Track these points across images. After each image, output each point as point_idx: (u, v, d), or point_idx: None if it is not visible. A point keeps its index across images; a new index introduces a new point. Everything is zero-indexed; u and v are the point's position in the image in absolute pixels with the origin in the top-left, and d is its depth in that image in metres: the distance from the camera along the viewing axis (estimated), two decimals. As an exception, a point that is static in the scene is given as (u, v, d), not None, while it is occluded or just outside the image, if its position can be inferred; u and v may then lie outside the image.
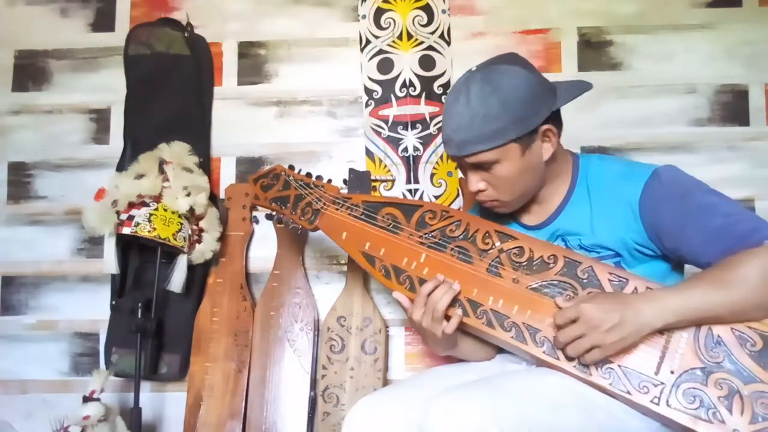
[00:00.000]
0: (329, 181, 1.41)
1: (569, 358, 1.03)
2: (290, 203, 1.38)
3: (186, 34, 1.90)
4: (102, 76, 1.97)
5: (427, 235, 1.21)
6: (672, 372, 0.99)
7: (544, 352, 1.05)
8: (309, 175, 1.42)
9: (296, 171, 1.44)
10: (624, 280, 1.06)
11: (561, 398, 0.99)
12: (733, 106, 1.85)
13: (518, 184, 1.15)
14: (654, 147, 1.84)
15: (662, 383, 0.99)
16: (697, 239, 1.06)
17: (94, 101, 1.96)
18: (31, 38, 2.00)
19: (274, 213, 1.44)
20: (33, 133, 1.97)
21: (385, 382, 1.73)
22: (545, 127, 1.13)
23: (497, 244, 1.16)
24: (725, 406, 0.95)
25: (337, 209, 1.32)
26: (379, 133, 1.87)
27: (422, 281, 1.16)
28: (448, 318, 1.11)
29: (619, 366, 1.01)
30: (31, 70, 1.99)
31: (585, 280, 1.08)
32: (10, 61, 1.99)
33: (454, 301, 1.12)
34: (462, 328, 1.15)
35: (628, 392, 0.99)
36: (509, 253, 1.15)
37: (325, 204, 1.34)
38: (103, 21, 1.99)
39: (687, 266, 1.19)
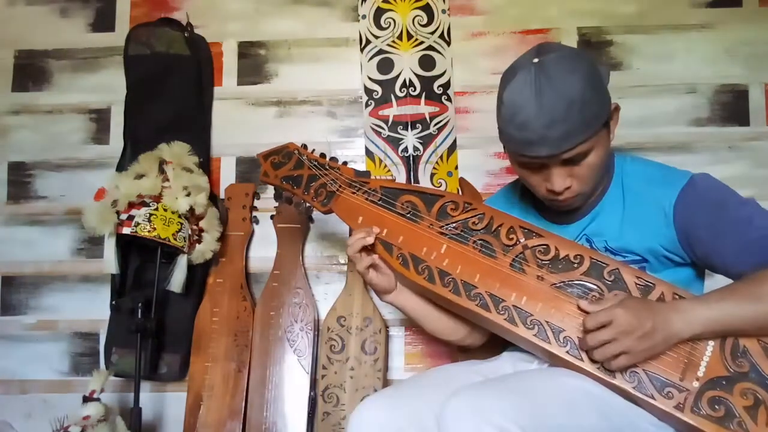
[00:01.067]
0: (345, 163, 1.35)
1: (593, 361, 1.01)
2: (303, 183, 1.32)
3: (186, 34, 1.89)
4: (102, 76, 1.97)
5: (448, 226, 1.18)
6: (697, 380, 0.97)
7: (567, 352, 1.02)
8: (323, 155, 1.36)
9: (310, 150, 1.38)
10: (651, 285, 1.04)
11: (579, 400, 0.98)
12: (733, 106, 1.85)
13: (600, 171, 1.10)
14: (654, 147, 1.83)
15: (687, 390, 0.97)
16: (730, 249, 1.05)
17: (94, 101, 1.96)
18: (31, 38, 2.00)
19: (283, 192, 1.38)
20: (33, 133, 1.97)
21: (385, 382, 1.73)
22: (614, 103, 1.10)
23: (522, 240, 1.13)
24: (750, 416, 0.94)
25: (353, 193, 1.27)
26: (379, 133, 1.87)
27: (442, 272, 1.14)
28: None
29: (644, 370, 0.99)
30: (31, 70, 1.99)
31: (611, 283, 1.06)
32: (10, 61, 2.00)
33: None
34: (482, 324, 1.13)
35: (652, 397, 0.97)
36: (534, 250, 1.11)
37: (340, 186, 1.29)
38: (103, 21, 1.99)
39: (707, 273, 1.18)
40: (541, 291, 1.08)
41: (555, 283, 1.08)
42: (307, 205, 1.34)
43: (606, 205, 1.17)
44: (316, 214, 1.82)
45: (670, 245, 1.11)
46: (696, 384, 0.97)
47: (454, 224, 1.18)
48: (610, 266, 1.07)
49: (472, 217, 1.18)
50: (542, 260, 1.10)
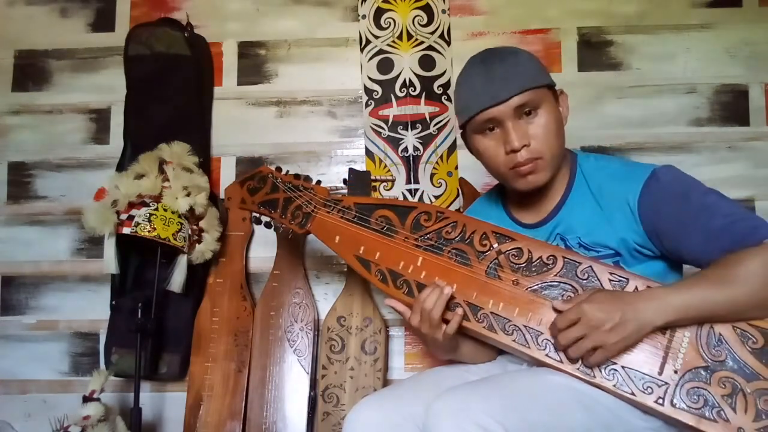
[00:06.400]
0: (318, 182, 1.37)
1: (572, 361, 1.02)
2: (279, 207, 1.34)
3: (186, 34, 1.89)
4: (102, 76, 1.97)
5: (422, 238, 1.19)
6: (675, 372, 0.99)
7: (547, 355, 1.04)
8: (297, 176, 1.37)
9: (283, 172, 1.40)
10: (624, 279, 1.06)
11: (564, 397, 0.99)
12: (733, 106, 1.85)
13: (556, 138, 1.14)
14: (654, 147, 1.83)
15: (666, 383, 0.98)
16: (697, 239, 1.05)
17: (94, 101, 1.96)
18: (31, 38, 2.00)
19: (262, 217, 1.40)
20: (33, 133, 1.97)
21: (385, 382, 1.73)
22: (560, 88, 1.18)
23: (495, 245, 1.14)
24: (729, 405, 0.95)
25: (328, 212, 1.28)
26: (379, 133, 1.87)
27: (420, 285, 1.14)
28: (447, 321, 1.10)
29: (623, 367, 1.00)
30: (31, 70, 1.99)
31: (585, 281, 1.07)
32: (10, 61, 2.00)
33: (452, 303, 1.10)
34: (463, 332, 1.14)
35: (633, 393, 0.99)
36: (508, 254, 1.13)
37: (315, 207, 1.30)
38: (103, 21, 1.99)
39: (685, 267, 1.18)
40: (517, 296, 1.09)
41: (530, 287, 1.09)
42: (284, 227, 1.35)
43: (573, 202, 1.18)
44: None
45: (639, 239, 1.11)
46: (674, 377, 0.98)
47: (428, 235, 1.19)
48: (584, 264, 1.08)
49: (445, 226, 1.19)
50: (516, 264, 1.12)
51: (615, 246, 1.13)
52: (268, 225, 1.41)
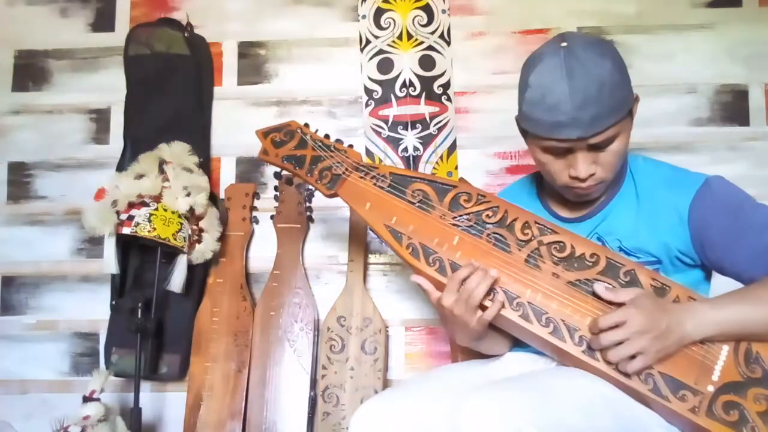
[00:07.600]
0: (351, 146, 1.28)
1: (608, 362, 0.99)
2: (306, 164, 1.25)
3: (186, 34, 1.89)
4: (102, 76, 1.97)
5: (460, 218, 1.13)
6: (712, 384, 0.97)
7: (583, 352, 1.00)
8: (327, 136, 1.29)
9: (313, 130, 1.31)
10: (667, 287, 1.03)
11: (595, 402, 0.96)
12: (733, 106, 1.84)
13: (622, 160, 1.10)
14: (654, 147, 1.83)
15: (702, 393, 0.96)
16: (743, 254, 1.05)
17: (94, 101, 1.96)
18: (31, 38, 2.00)
19: (283, 172, 1.32)
20: (33, 133, 1.97)
21: (385, 382, 1.73)
22: (636, 93, 1.11)
23: (537, 235, 1.09)
24: (764, 422, 0.94)
25: (360, 177, 1.20)
26: (379, 133, 1.87)
27: (454, 265, 1.08)
28: (482, 307, 1.04)
29: (659, 372, 0.98)
30: (31, 70, 1.99)
31: (626, 283, 1.04)
32: (10, 61, 1.99)
33: (491, 289, 1.04)
34: (492, 320, 1.09)
35: (667, 399, 0.96)
36: (549, 246, 1.08)
37: (347, 170, 1.22)
38: (103, 21, 1.99)
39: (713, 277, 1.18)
40: (557, 288, 1.05)
41: (571, 281, 1.05)
42: (310, 187, 1.29)
43: (618, 203, 1.16)
44: (316, 213, 1.83)
45: (684, 247, 1.10)
46: (711, 388, 0.97)
47: (467, 216, 1.13)
48: (626, 267, 1.05)
49: (485, 209, 1.13)
50: (558, 257, 1.07)
51: (656, 253, 1.11)
52: (289, 182, 1.34)
